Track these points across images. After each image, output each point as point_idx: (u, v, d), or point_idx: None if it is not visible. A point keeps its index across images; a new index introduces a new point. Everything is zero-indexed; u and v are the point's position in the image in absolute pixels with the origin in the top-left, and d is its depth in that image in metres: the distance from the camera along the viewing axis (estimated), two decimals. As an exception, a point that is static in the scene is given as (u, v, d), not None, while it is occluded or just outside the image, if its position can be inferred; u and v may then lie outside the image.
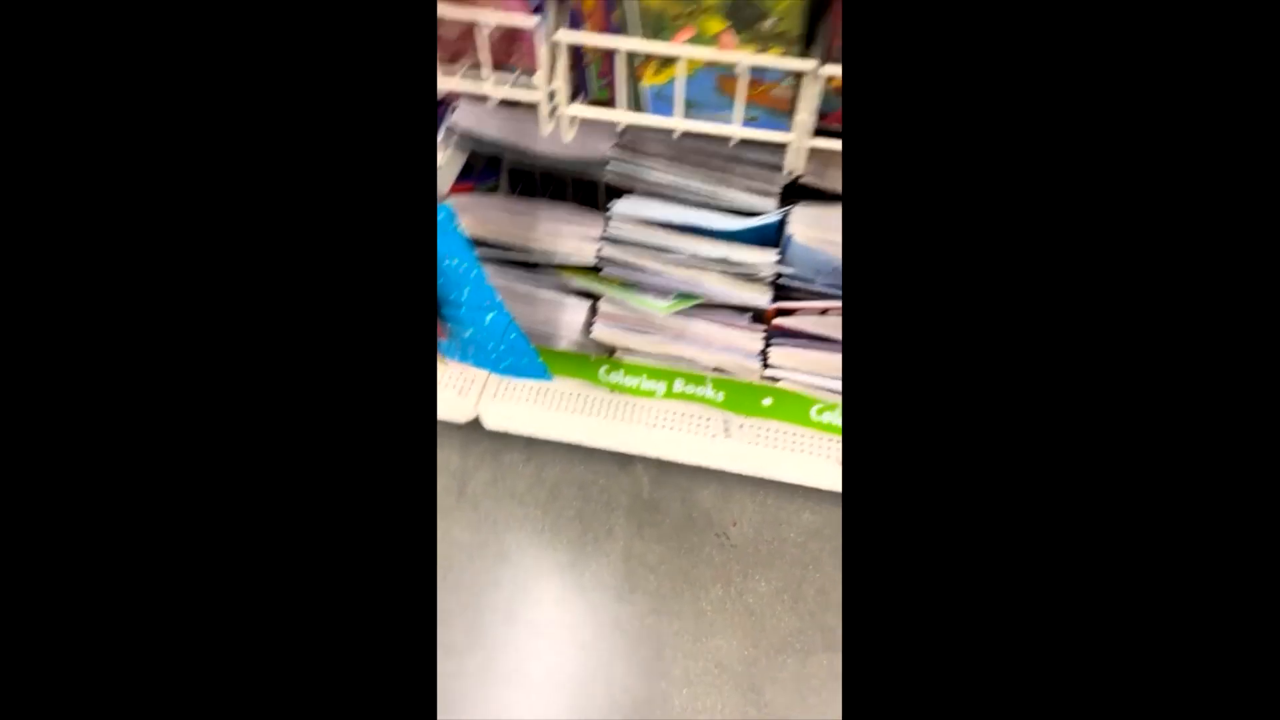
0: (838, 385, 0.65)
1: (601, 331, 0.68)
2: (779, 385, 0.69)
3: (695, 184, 0.60)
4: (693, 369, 0.74)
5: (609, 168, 0.62)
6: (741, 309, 0.67)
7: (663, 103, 0.48)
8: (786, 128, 0.46)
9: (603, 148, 0.62)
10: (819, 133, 0.48)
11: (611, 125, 0.58)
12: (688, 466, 0.93)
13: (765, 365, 0.65)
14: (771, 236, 0.61)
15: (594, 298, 0.68)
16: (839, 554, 0.85)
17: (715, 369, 0.71)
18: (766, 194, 0.60)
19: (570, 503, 0.91)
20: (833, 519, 0.88)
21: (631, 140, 0.62)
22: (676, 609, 0.83)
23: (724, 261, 0.61)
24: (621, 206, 0.63)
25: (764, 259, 0.61)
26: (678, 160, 0.61)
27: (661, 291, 0.63)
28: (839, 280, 0.62)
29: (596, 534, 0.88)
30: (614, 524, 0.89)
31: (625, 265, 0.63)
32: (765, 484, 0.92)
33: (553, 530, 0.89)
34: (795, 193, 0.62)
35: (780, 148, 0.52)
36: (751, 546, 0.87)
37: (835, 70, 0.40)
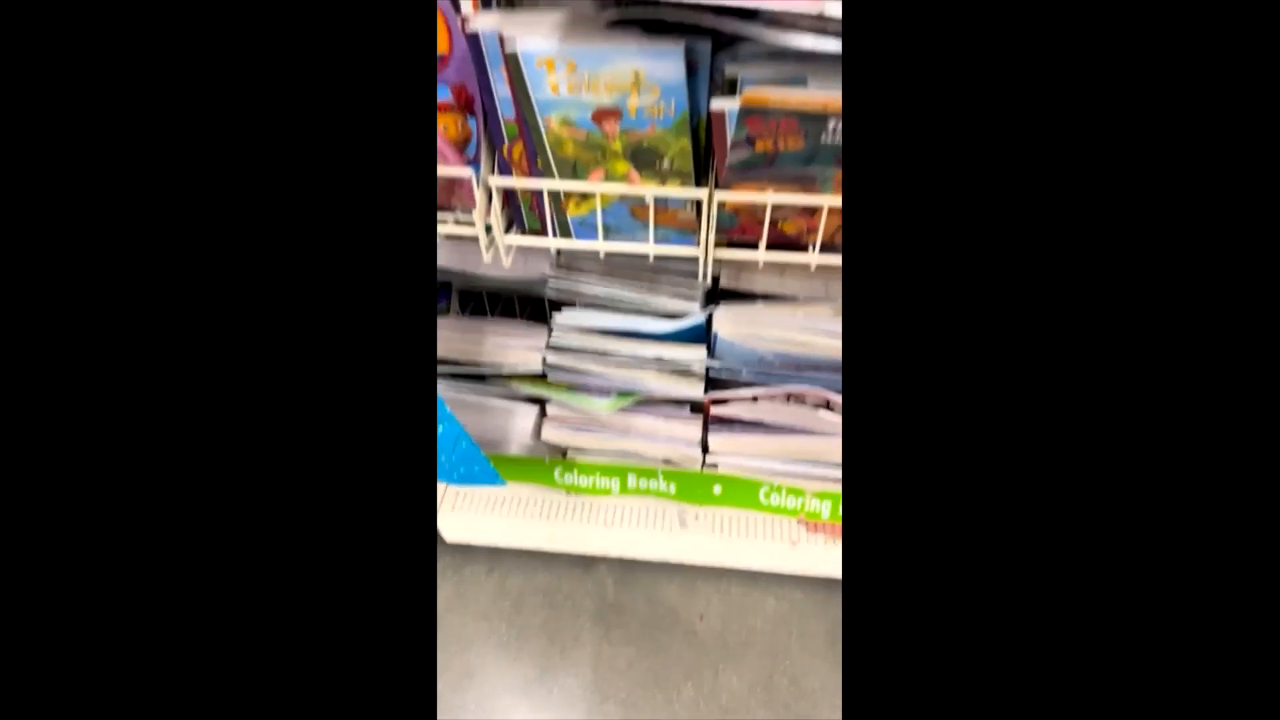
0: (773, 466, 0.69)
1: (551, 433, 0.71)
2: (724, 472, 0.73)
3: (627, 294, 0.67)
4: (642, 463, 0.77)
5: (549, 285, 0.68)
6: (681, 402, 0.72)
7: (586, 229, 0.55)
8: (694, 243, 0.54)
9: (543, 268, 0.69)
10: (730, 244, 0.56)
11: (548, 249, 0.65)
12: (651, 562, 0.93)
13: (706, 452, 0.69)
14: (700, 335, 0.68)
15: (542, 402, 0.72)
16: (807, 639, 0.85)
17: (664, 460, 0.74)
18: (690, 298, 0.67)
19: (536, 612, 0.90)
20: (798, 604, 0.88)
21: (568, 260, 0.69)
22: (649, 715, 0.80)
23: (659, 360, 0.67)
24: (563, 318, 0.69)
25: (694, 355, 0.67)
26: (609, 274, 0.68)
27: (604, 391, 0.68)
28: (764, 369, 0.68)
29: (564, 643, 0.87)
30: (581, 630, 0.87)
31: (569, 370, 0.68)
32: (728, 573, 0.93)
33: (519, 643, 0.87)
34: (718, 296, 0.69)
35: (694, 260, 0.61)
36: (720, 640, 0.86)
37: (725, 196, 0.48)
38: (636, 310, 0.68)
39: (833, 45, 0.38)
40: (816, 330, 0.65)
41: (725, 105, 0.40)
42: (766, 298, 0.68)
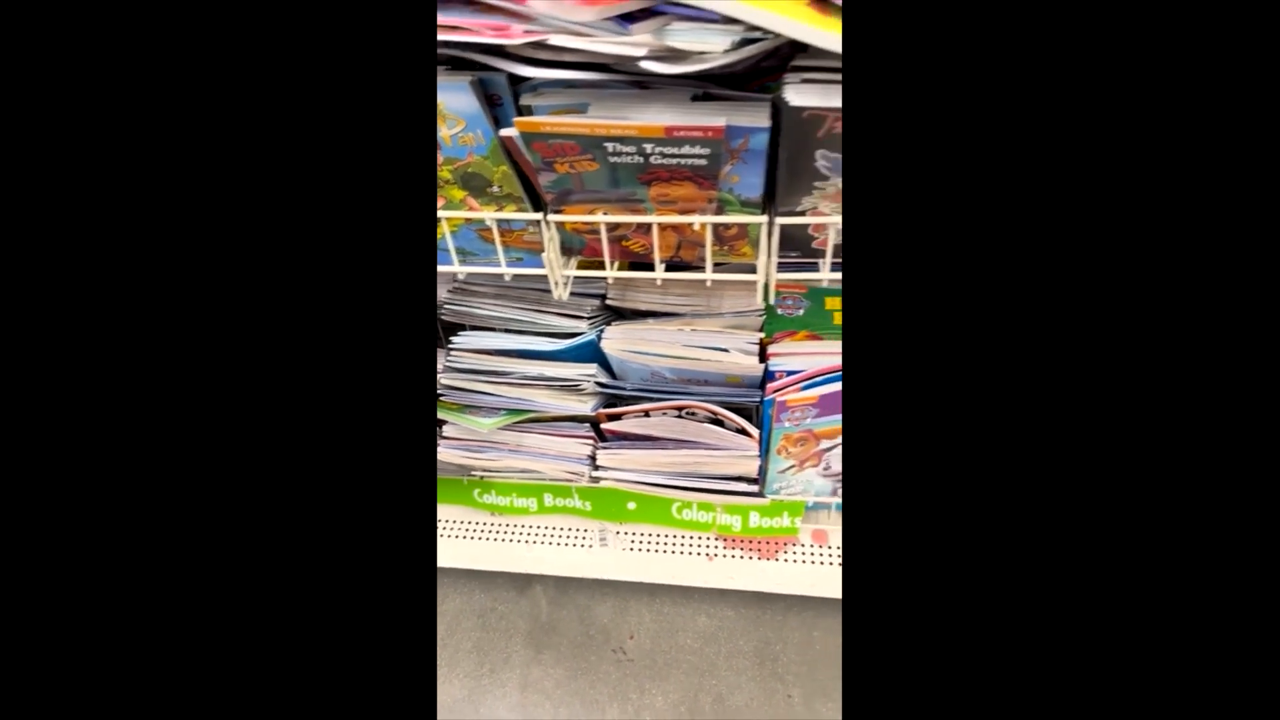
0: (657, 480, 0.69)
1: (445, 453, 0.73)
2: (635, 489, 0.73)
3: (518, 315, 0.69)
4: (553, 481, 0.78)
5: (445, 308, 0.71)
6: (581, 419, 0.73)
7: (444, 254, 0.57)
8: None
9: (441, 293, 0.72)
10: (582, 265, 0.57)
11: (450, 274, 0.68)
12: (587, 581, 0.93)
13: (595, 468, 0.70)
14: (590, 353, 0.69)
15: (440, 423, 0.74)
16: (734, 657, 0.84)
17: (567, 476, 0.75)
18: (578, 317, 0.68)
19: (469, 634, 0.90)
20: (728, 621, 0.87)
21: (463, 284, 0.71)
22: (569, 737, 0.80)
23: (549, 378, 0.68)
24: (459, 340, 0.71)
25: (583, 372, 0.68)
26: (501, 296, 0.70)
27: (491, 410, 0.69)
28: (655, 384, 0.69)
29: (494, 664, 0.87)
30: (511, 652, 0.88)
31: (463, 390, 0.70)
32: (662, 590, 0.93)
33: (449, 664, 0.88)
34: (611, 314, 0.70)
35: (592, 281, 0.63)
36: (648, 659, 0.86)
37: (557, 217, 0.50)
38: (528, 330, 0.70)
39: (600, 77, 0.40)
40: (702, 345, 0.66)
41: (511, 132, 0.42)
42: (654, 314, 0.69)
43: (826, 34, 0.29)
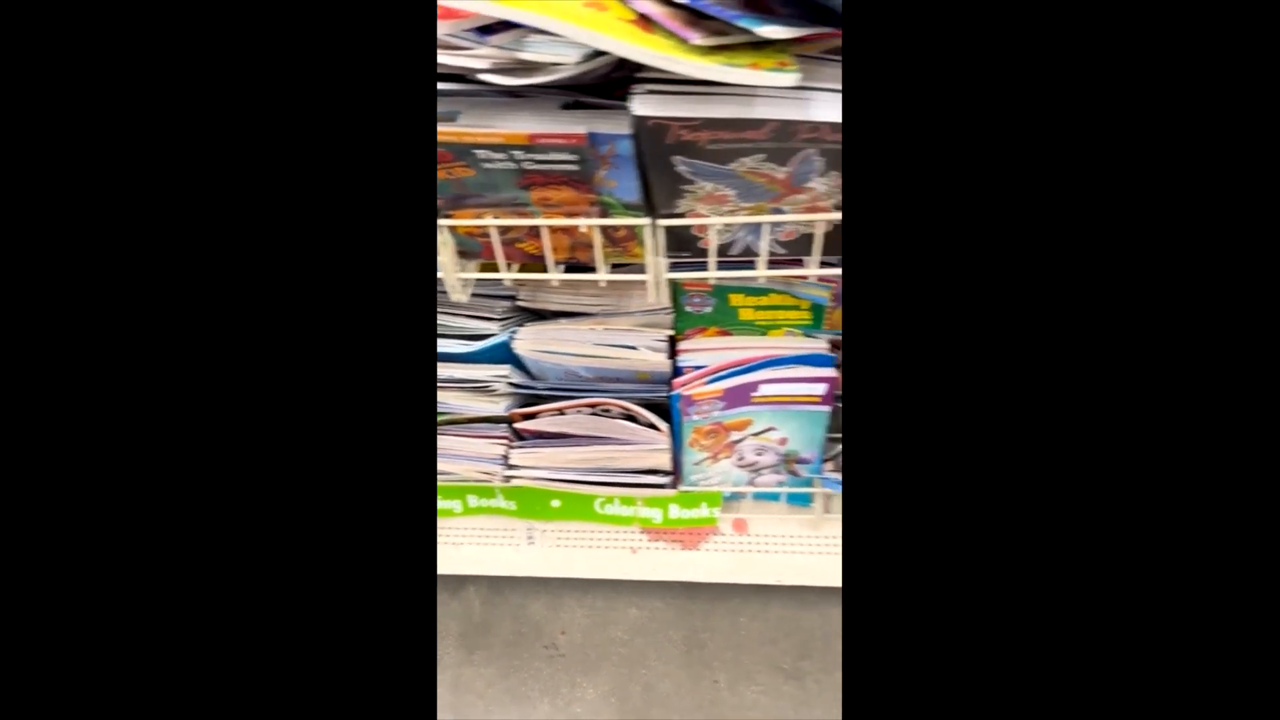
0: (573, 476, 0.71)
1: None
2: (553, 487, 0.74)
3: (431, 319, 0.70)
4: (455, 482, 0.78)
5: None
6: (497, 420, 0.73)
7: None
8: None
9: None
10: (484, 268, 0.58)
11: None
12: (520, 579, 0.94)
13: (508, 467, 0.71)
14: (503, 354, 0.70)
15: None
16: (664, 647, 0.86)
17: (481, 476, 0.76)
18: (489, 319, 0.69)
19: (401, 638, 0.90)
20: (658, 612, 0.89)
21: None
22: (498, 734, 0.81)
23: (459, 380, 0.69)
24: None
25: (494, 373, 0.69)
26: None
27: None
28: (569, 382, 0.70)
29: (426, 667, 0.87)
30: (443, 653, 0.88)
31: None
32: (595, 585, 0.94)
33: (381, 670, 0.88)
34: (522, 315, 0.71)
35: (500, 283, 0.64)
36: (579, 653, 0.87)
37: (449, 222, 0.51)
38: (440, 334, 0.70)
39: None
40: (612, 344, 0.67)
41: (385, 141, 0.42)
42: (567, 314, 0.71)
43: (645, 50, 0.31)
